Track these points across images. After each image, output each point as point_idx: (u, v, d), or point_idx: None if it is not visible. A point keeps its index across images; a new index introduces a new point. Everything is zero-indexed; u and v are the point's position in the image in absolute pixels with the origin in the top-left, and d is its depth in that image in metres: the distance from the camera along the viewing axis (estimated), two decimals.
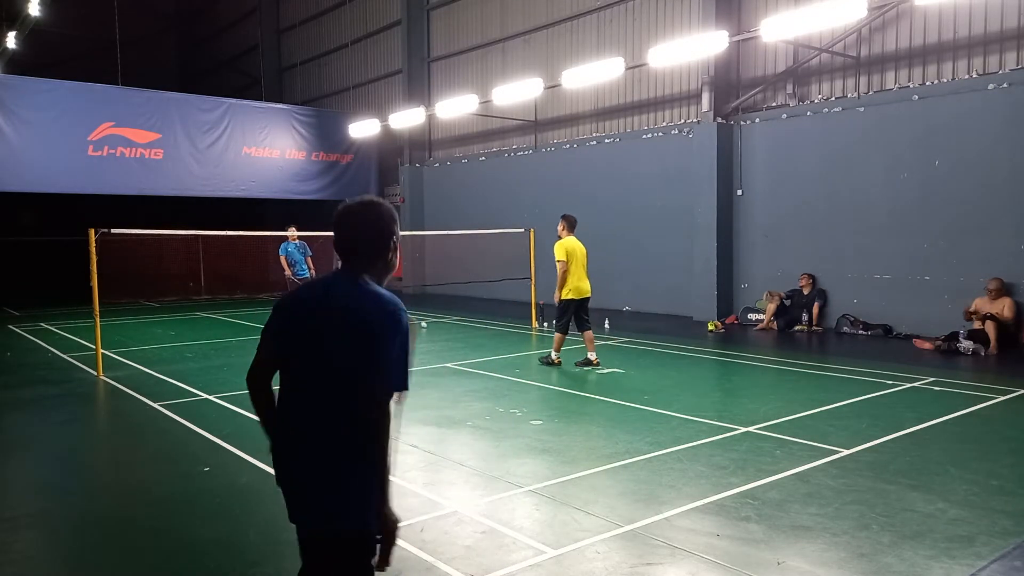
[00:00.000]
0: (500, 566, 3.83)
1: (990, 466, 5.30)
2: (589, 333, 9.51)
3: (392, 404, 2.33)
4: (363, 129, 20.65)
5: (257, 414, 2.59)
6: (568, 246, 9.36)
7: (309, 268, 14.44)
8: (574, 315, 9.46)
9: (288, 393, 2.45)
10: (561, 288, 9.37)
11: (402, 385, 2.36)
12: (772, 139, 13.54)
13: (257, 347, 2.54)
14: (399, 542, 2.46)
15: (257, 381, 2.53)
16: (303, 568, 2.54)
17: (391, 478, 2.37)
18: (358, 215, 2.48)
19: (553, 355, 9.59)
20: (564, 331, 9.52)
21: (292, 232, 14.41)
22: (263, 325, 2.55)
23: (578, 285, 9.36)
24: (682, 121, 15.02)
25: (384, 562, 2.36)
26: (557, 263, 9.35)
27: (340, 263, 2.49)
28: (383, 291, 2.43)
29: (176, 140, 18.94)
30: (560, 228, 9.59)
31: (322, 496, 2.35)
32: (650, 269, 15.41)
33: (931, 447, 5.83)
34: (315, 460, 2.37)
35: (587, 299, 9.54)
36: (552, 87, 16.66)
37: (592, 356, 9.41)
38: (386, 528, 2.35)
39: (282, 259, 14.36)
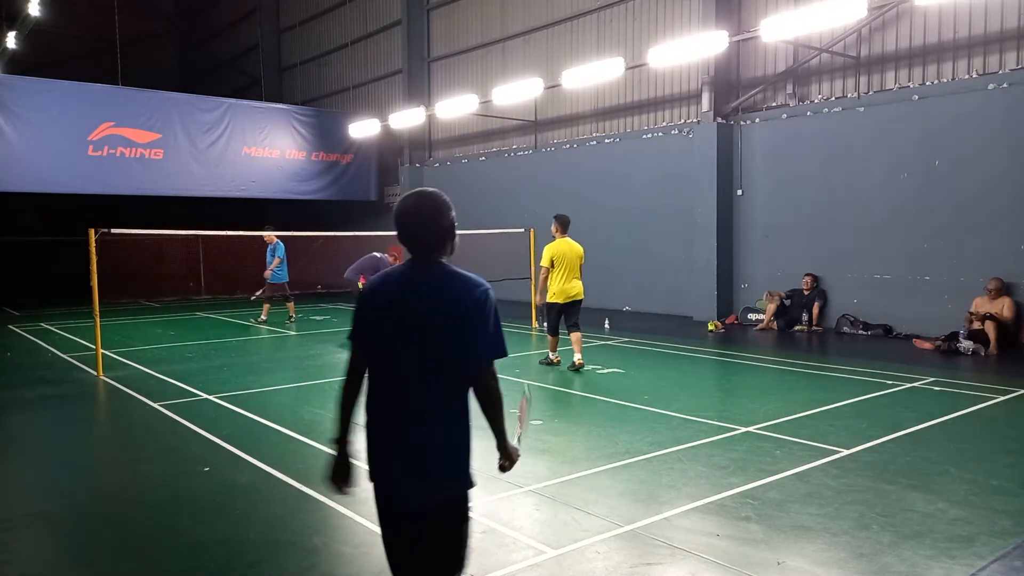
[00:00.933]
0: (500, 566, 3.84)
1: (990, 466, 5.30)
2: (577, 335, 9.34)
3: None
4: (363, 129, 20.65)
5: (343, 407, 2.74)
6: (555, 250, 9.21)
7: (268, 269, 14.50)
8: (563, 317, 9.34)
9: (391, 379, 2.62)
10: (542, 292, 9.34)
11: (503, 351, 2.65)
12: (772, 139, 13.54)
13: (351, 346, 2.70)
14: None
15: (358, 375, 2.71)
16: (405, 545, 2.65)
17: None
18: (424, 209, 2.64)
19: (551, 355, 9.59)
20: (553, 332, 9.47)
21: (269, 234, 14.40)
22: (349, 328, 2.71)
23: (563, 288, 9.18)
24: (682, 121, 15.02)
25: (506, 470, 2.89)
26: (540, 267, 9.32)
27: (410, 255, 2.68)
28: (466, 272, 2.66)
29: (176, 140, 18.93)
30: (553, 229, 9.38)
31: (445, 465, 2.60)
32: (650, 269, 15.41)
33: (931, 447, 5.83)
34: (434, 435, 2.59)
35: (577, 302, 9.32)
36: (552, 87, 16.65)
37: (576, 358, 9.16)
38: (511, 459, 2.88)
39: (276, 260, 14.38)
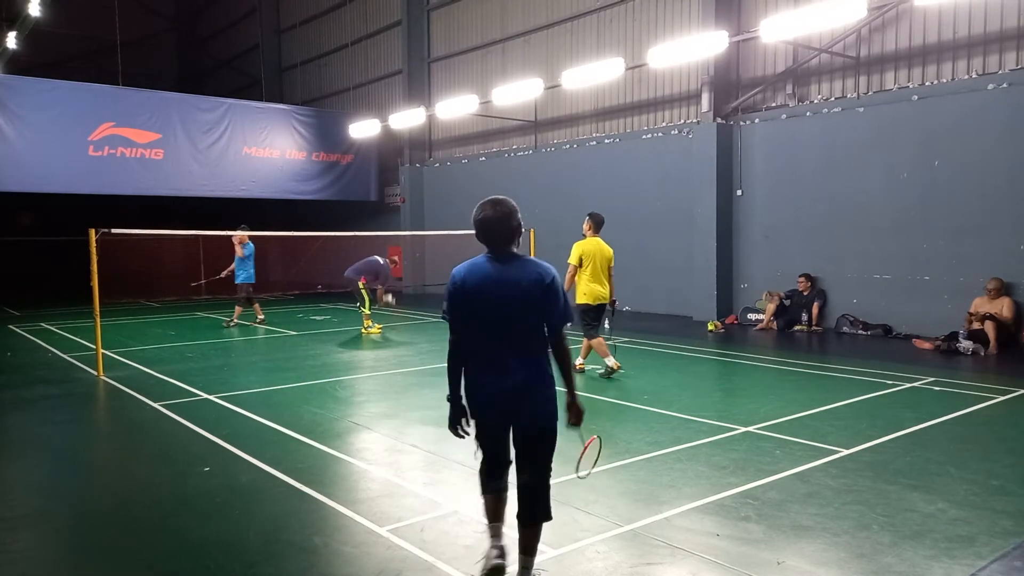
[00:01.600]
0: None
1: (990, 466, 5.30)
2: (596, 340, 8.91)
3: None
4: (363, 129, 20.65)
5: (452, 373, 3.57)
6: (585, 248, 8.79)
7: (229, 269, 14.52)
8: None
9: (487, 341, 3.47)
10: (570, 291, 9.02)
11: (571, 318, 3.56)
12: (772, 139, 13.54)
13: (450, 326, 3.54)
14: (400, 542, 3.81)
15: (461, 349, 3.54)
16: (517, 450, 3.62)
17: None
18: (500, 213, 3.47)
19: (609, 363, 8.76)
20: (594, 335, 8.84)
21: (239, 234, 14.25)
22: (449, 299, 3.53)
23: (591, 288, 8.72)
24: (682, 121, 15.02)
25: (577, 424, 3.66)
26: (567, 264, 8.82)
27: (486, 245, 3.51)
28: (537, 259, 3.53)
29: (176, 140, 18.93)
30: (585, 227, 8.94)
31: (539, 405, 3.52)
32: (650, 269, 15.40)
33: (931, 447, 5.83)
34: (532, 382, 3.49)
35: (603, 304, 8.87)
36: (552, 87, 16.66)
37: (578, 361, 8.96)
38: (578, 412, 3.65)
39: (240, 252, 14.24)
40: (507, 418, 3.55)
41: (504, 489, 3.74)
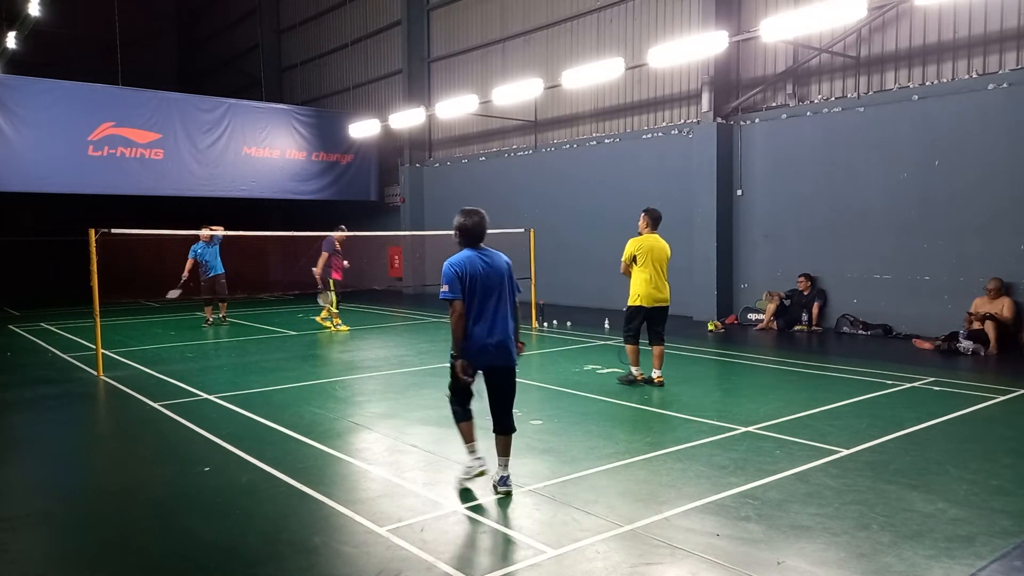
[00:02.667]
0: (500, 566, 3.84)
1: (990, 466, 5.31)
2: (659, 348, 8.20)
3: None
4: (363, 129, 20.64)
5: (456, 333, 4.80)
6: (641, 244, 8.09)
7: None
8: (646, 325, 8.23)
9: (480, 311, 4.82)
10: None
11: (519, 290, 5.10)
12: (772, 139, 13.54)
13: (454, 296, 4.76)
14: (400, 542, 4.07)
15: (463, 313, 4.79)
16: (493, 388, 4.97)
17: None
18: (484, 220, 5.00)
19: (633, 371, 8.29)
20: (631, 341, 8.24)
21: (205, 232, 14.45)
22: (452, 279, 4.79)
23: (649, 290, 8.06)
24: (682, 121, 15.02)
25: (520, 352, 5.04)
26: (621, 262, 8.24)
27: (469, 243, 4.96)
28: (497, 251, 5.05)
29: (176, 140, 18.93)
30: (641, 223, 8.23)
31: (511, 351, 4.91)
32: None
33: (931, 447, 5.83)
34: (506, 337, 4.88)
35: (663, 309, 8.21)
36: (552, 87, 16.66)
37: (655, 374, 8.16)
38: (521, 347, 5.04)
39: (189, 262, 14.44)
40: (491, 360, 4.84)
41: (472, 416, 5.05)
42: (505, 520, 4.47)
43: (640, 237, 8.19)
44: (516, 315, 4.99)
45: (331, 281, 13.55)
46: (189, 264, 14.49)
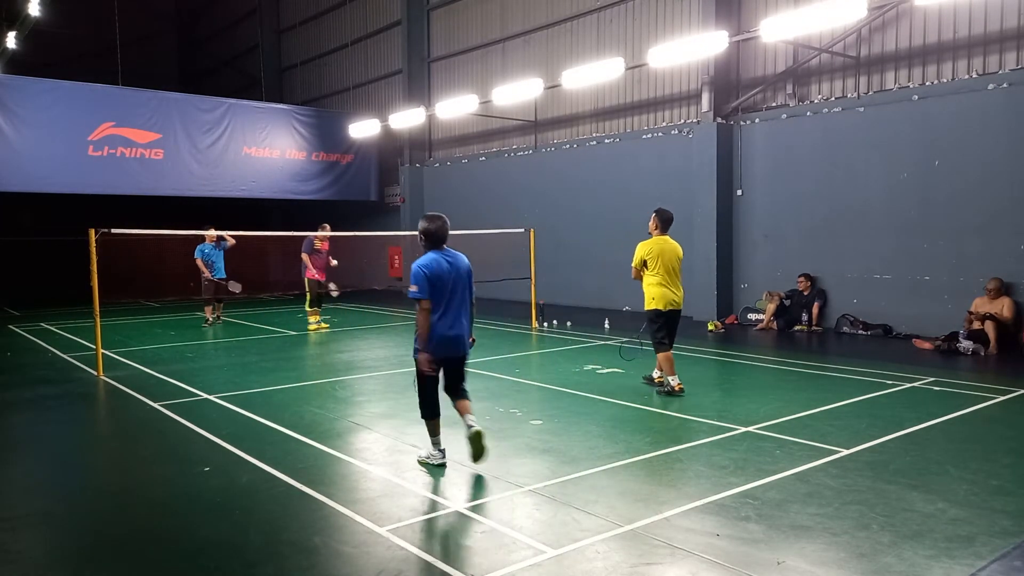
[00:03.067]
0: (500, 566, 3.84)
1: (990, 466, 5.31)
2: (664, 355, 7.89)
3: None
4: (363, 129, 20.64)
5: (423, 328, 5.26)
6: (651, 247, 7.85)
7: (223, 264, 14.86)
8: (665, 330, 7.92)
9: (444, 308, 5.31)
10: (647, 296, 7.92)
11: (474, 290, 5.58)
12: (772, 139, 13.54)
13: (422, 296, 5.23)
14: (400, 542, 4.14)
15: (429, 310, 5.27)
16: (447, 372, 5.51)
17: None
18: (446, 224, 5.44)
19: (671, 381, 7.80)
20: (663, 348, 7.85)
21: (211, 233, 14.67)
22: (420, 280, 5.26)
23: (664, 292, 7.82)
24: (682, 121, 15.02)
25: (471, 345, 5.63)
26: (632, 268, 8.01)
27: (434, 246, 5.42)
28: (458, 252, 5.50)
29: (176, 140, 18.92)
30: (651, 225, 8.00)
31: (465, 343, 5.47)
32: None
33: (931, 447, 5.83)
34: (463, 330, 5.44)
35: (675, 311, 7.94)
36: (552, 87, 16.66)
37: (672, 380, 7.77)
38: (473, 341, 5.62)
39: (198, 262, 14.65)
40: (448, 352, 5.39)
41: (440, 413, 5.52)
42: (505, 520, 4.47)
43: (650, 240, 7.97)
44: (472, 312, 5.54)
45: (307, 282, 13.62)
46: (200, 264, 14.65)
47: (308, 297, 13.86)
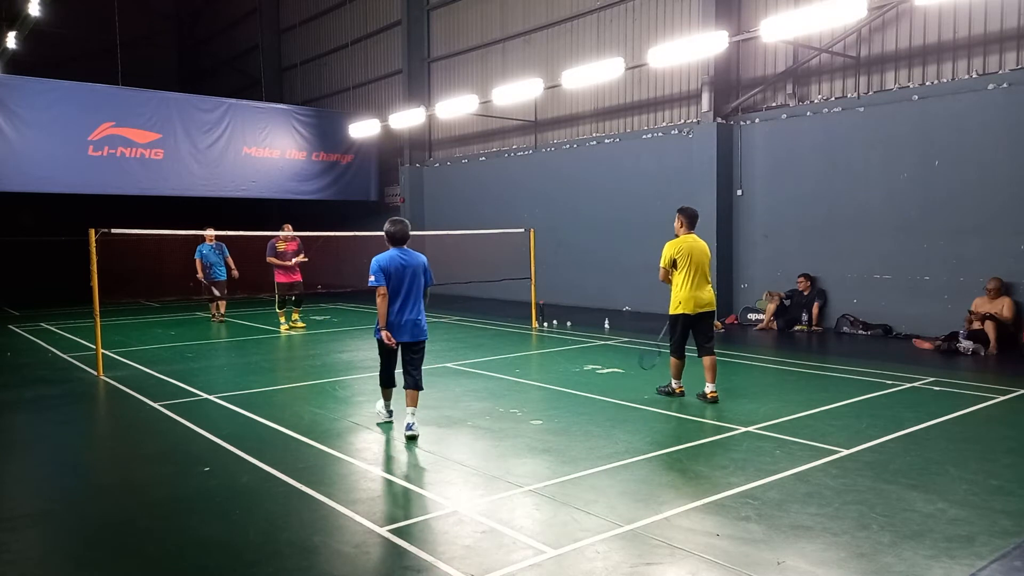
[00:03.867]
0: (500, 566, 3.84)
1: (990, 466, 5.31)
2: (709, 359, 7.51)
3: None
4: (363, 129, 20.64)
5: (381, 310, 6.25)
6: (678, 247, 7.53)
7: (230, 268, 15.14)
8: (691, 334, 7.64)
9: (402, 297, 6.31)
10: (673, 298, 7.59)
11: (433, 281, 6.51)
12: (772, 139, 13.54)
13: (380, 285, 6.23)
14: (400, 542, 4.18)
15: (386, 296, 6.25)
16: (405, 354, 6.45)
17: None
18: (406, 227, 6.45)
19: (673, 384, 7.74)
20: (676, 354, 7.65)
21: (209, 233, 14.92)
22: (377, 271, 6.28)
23: (693, 294, 7.46)
24: (682, 121, 15.02)
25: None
26: (660, 268, 7.67)
27: (394, 244, 6.42)
28: (415, 251, 6.48)
29: (176, 140, 18.92)
30: (676, 224, 7.69)
31: (421, 328, 6.41)
32: (650, 269, 15.28)
33: (931, 447, 5.83)
34: (418, 316, 6.38)
35: (708, 314, 7.58)
36: (552, 87, 16.66)
37: (709, 389, 7.47)
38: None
39: (197, 262, 14.90)
40: (406, 335, 6.36)
41: (394, 383, 6.70)
42: (505, 520, 4.47)
43: (678, 239, 7.60)
44: (425, 300, 6.52)
45: (276, 285, 13.70)
46: (199, 264, 14.88)
47: (278, 299, 13.93)
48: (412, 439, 6.14)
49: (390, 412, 6.81)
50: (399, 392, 6.63)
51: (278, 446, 6.17)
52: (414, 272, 6.34)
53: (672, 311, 7.62)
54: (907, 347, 10.74)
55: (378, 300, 6.24)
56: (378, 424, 6.77)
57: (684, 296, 7.47)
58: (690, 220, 7.66)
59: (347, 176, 22.19)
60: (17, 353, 11.55)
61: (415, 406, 6.36)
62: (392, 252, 6.36)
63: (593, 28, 16.72)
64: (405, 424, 6.21)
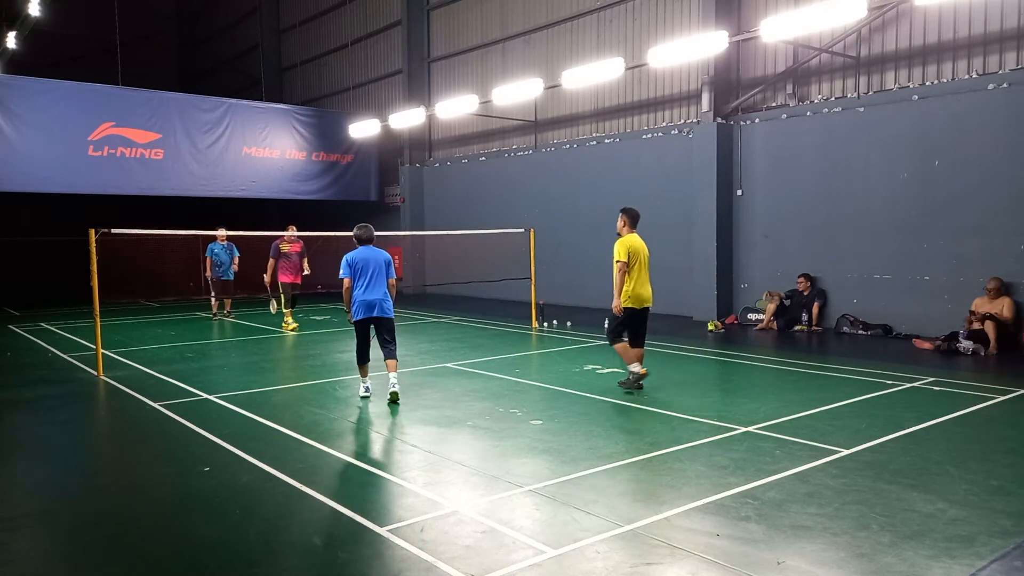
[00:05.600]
0: (500, 566, 3.84)
1: (990, 466, 5.31)
2: (639, 351, 8.05)
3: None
4: (363, 129, 20.64)
5: (346, 298, 7.66)
6: (630, 245, 7.98)
7: (233, 267, 15.36)
8: (629, 327, 8.08)
9: (365, 284, 7.63)
10: (619, 294, 7.99)
11: (394, 275, 7.87)
12: (772, 139, 13.54)
13: (345, 276, 7.62)
14: (400, 542, 4.15)
15: (350, 286, 7.64)
16: (379, 333, 7.81)
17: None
18: (370, 230, 7.94)
19: (636, 369, 8.00)
20: (618, 340, 8.12)
21: (221, 233, 15.07)
22: (344, 266, 7.63)
23: (638, 291, 7.97)
24: (682, 121, 15.02)
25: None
26: (615, 263, 7.98)
27: (361, 244, 7.83)
28: (379, 248, 7.93)
29: (176, 140, 18.92)
30: (620, 224, 8.22)
31: (385, 308, 7.73)
32: (650, 269, 15.36)
33: (931, 447, 5.83)
34: (383, 297, 7.71)
35: (647, 310, 8.11)
36: (552, 87, 16.66)
37: (635, 367, 7.96)
38: (392, 305, 7.92)
39: (207, 260, 15.15)
40: (370, 313, 7.60)
41: (369, 360, 7.90)
42: (505, 520, 4.47)
43: (627, 238, 8.11)
44: (392, 293, 7.78)
45: (280, 284, 13.75)
46: (208, 263, 15.13)
47: (282, 299, 13.98)
48: (393, 396, 7.52)
49: (368, 387, 7.90)
50: (376, 367, 8.01)
51: (278, 446, 6.17)
52: (376, 263, 7.65)
53: (623, 304, 8.06)
54: (907, 347, 10.74)
55: (343, 290, 7.63)
56: (361, 397, 7.82)
57: (632, 292, 8.00)
58: (633, 220, 8.29)
59: (347, 176, 22.19)
60: (17, 353, 11.55)
61: (395, 372, 7.68)
62: (359, 249, 7.74)
63: (593, 28, 16.73)
64: (390, 383, 7.56)
